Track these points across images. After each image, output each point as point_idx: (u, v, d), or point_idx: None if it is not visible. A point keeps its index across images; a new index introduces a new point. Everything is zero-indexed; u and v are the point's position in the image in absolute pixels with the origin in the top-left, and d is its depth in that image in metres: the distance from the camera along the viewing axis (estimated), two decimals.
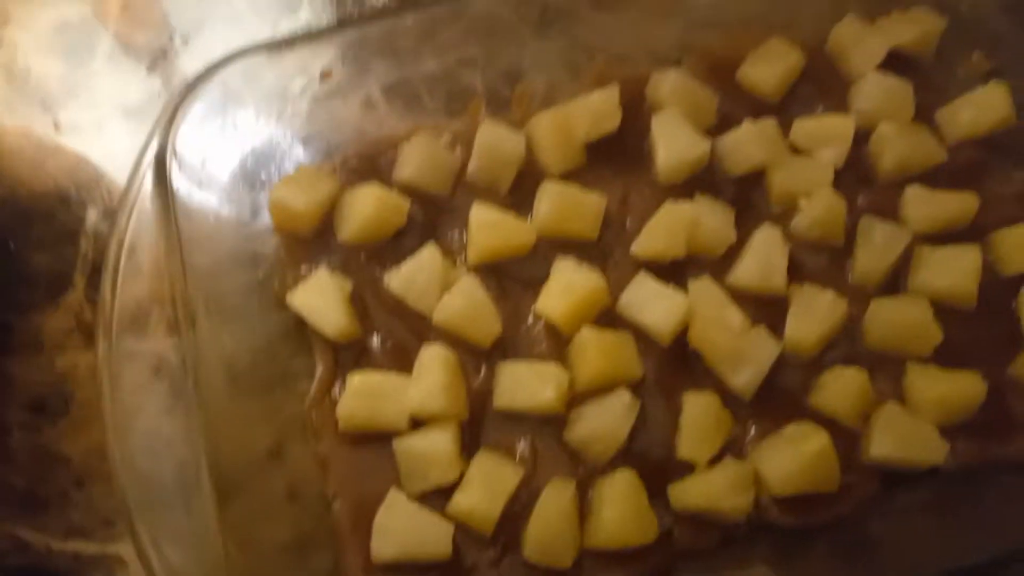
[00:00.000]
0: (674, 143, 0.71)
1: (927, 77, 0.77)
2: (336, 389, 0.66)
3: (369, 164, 0.73)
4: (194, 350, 0.60)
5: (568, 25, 0.78)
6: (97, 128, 0.78)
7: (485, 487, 0.61)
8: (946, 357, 0.67)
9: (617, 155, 0.74)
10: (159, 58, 0.81)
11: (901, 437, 0.63)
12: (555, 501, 0.61)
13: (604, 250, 0.71)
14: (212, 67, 0.67)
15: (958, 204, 0.71)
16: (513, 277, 0.70)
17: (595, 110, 0.72)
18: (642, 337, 0.67)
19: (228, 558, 0.55)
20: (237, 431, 0.61)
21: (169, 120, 0.64)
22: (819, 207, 0.69)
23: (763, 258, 0.68)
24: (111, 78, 0.81)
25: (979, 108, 0.74)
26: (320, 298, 0.65)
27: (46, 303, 0.70)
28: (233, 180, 0.69)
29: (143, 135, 0.63)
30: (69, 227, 0.74)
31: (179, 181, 0.64)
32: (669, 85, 0.73)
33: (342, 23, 0.79)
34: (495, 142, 0.70)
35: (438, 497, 0.62)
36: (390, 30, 0.75)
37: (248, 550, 0.57)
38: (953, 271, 0.68)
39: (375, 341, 0.68)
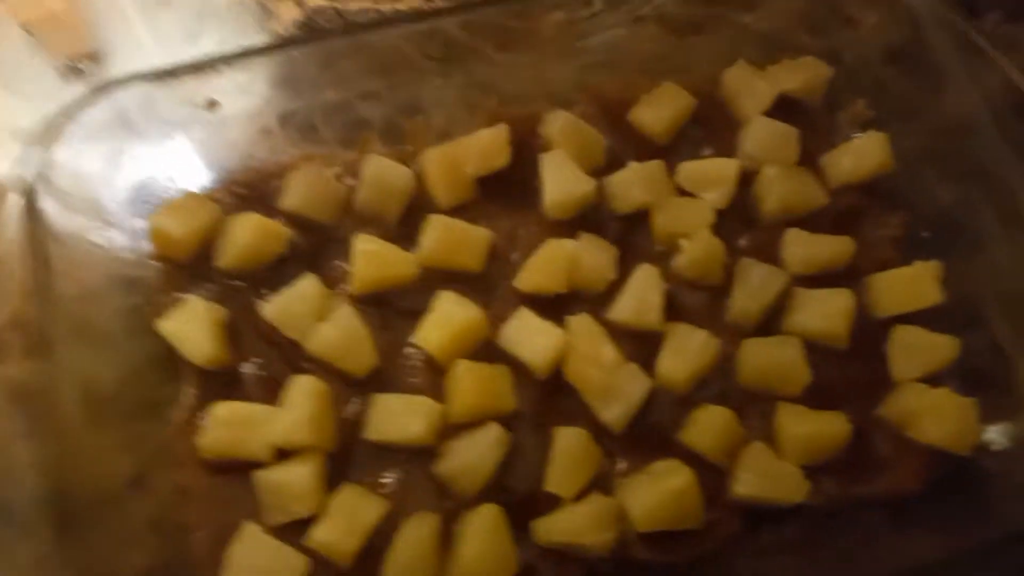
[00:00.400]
0: (560, 181, 0.72)
1: (813, 123, 0.79)
2: (202, 418, 0.65)
3: (255, 192, 0.73)
4: (51, 376, 0.59)
5: (470, 64, 0.80)
6: None
7: (344, 520, 0.60)
8: (817, 397, 0.68)
9: (507, 191, 0.75)
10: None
11: (765, 475, 0.64)
12: (415, 535, 0.60)
13: (489, 283, 0.72)
14: (96, 90, 0.67)
15: (835, 247, 0.73)
16: (396, 308, 0.70)
17: (485, 147, 0.73)
18: (520, 370, 0.68)
19: None
20: (95, 459, 0.60)
21: (46, 141, 0.64)
22: (698, 248, 0.71)
23: (640, 295, 0.69)
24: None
25: (859, 155, 0.76)
26: (189, 325, 0.65)
27: None
28: (115, 206, 0.69)
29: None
30: None
31: (51, 204, 0.64)
32: (559, 125, 0.74)
33: (246, 52, 0.79)
34: (382, 173, 0.71)
35: (299, 529, 0.61)
36: (290, 60, 0.76)
37: None
38: (826, 313, 0.70)
39: (247, 370, 0.67)
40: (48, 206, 0.63)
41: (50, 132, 0.67)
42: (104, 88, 0.69)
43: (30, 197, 0.62)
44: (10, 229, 0.61)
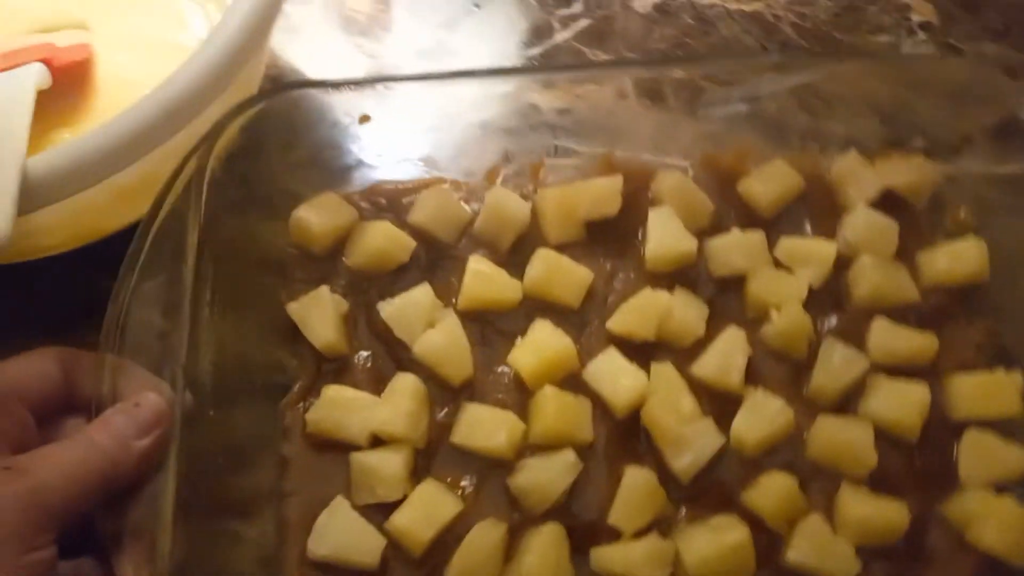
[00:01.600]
0: (664, 236, 0.77)
1: (915, 221, 0.82)
2: (313, 397, 0.72)
3: (391, 203, 0.80)
4: (191, 335, 0.66)
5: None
6: None
7: (423, 512, 0.66)
8: (882, 483, 0.70)
9: (614, 237, 0.80)
10: None
11: (819, 547, 0.66)
12: (483, 538, 0.65)
13: (583, 319, 0.77)
14: (270, 91, 0.76)
15: (920, 342, 0.75)
16: (495, 328, 0.76)
17: (598, 194, 0.79)
18: (600, 405, 0.72)
19: None
20: (216, 420, 0.67)
21: (217, 133, 0.72)
22: (787, 320, 0.74)
23: (725, 355, 0.73)
24: None
25: (956, 258, 0.78)
26: (315, 312, 0.72)
27: None
28: (265, 196, 0.77)
29: None
30: None
31: (222, 182, 0.72)
32: (670, 183, 0.80)
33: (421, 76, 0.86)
34: (502, 204, 0.77)
35: (381, 512, 0.67)
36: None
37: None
38: (901, 403, 0.72)
39: (359, 361, 0.74)
40: (219, 182, 0.71)
41: (218, 124, 0.74)
42: (272, 91, 0.78)
43: (199, 179, 0.70)
44: (191, 198, 0.69)
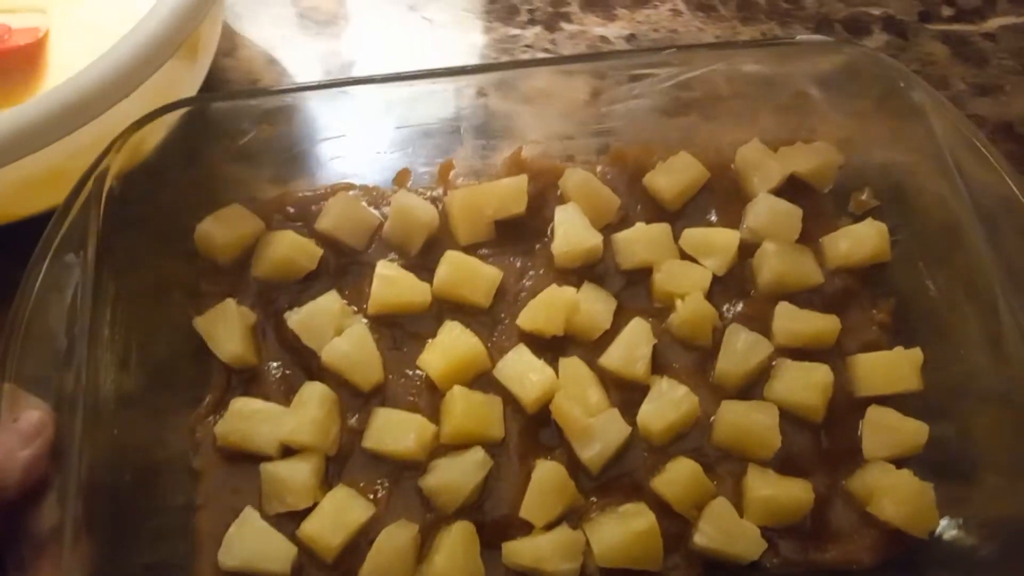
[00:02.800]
0: (570, 233, 0.78)
1: (819, 206, 0.84)
2: (223, 409, 0.72)
3: (299, 212, 0.80)
4: (93, 354, 0.66)
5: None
6: None
7: (332, 518, 0.66)
8: (787, 464, 0.72)
9: (523, 235, 0.81)
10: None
11: (725, 531, 0.68)
12: (393, 539, 0.66)
13: (494, 318, 0.78)
14: (167, 106, 0.76)
15: (823, 324, 0.77)
16: (407, 331, 0.77)
17: (505, 193, 0.80)
18: (511, 402, 0.73)
19: None
20: (125, 435, 0.67)
21: (117, 147, 0.72)
22: (690, 309, 0.76)
23: (630, 346, 0.74)
24: None
25: (858, 240, 0.80)
26: (222, 324, 0.73)
27: None
28: (168, 210, 0.77)
29: None
30: None
31: (132, 195, 0.72)
32: (576, 181, 0.81)
33: (319, 84, 0.86)
34: (408, 208, 0.78)
35: (294, 521, 0.68)
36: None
37: None
38: (805, 385, 0.74)
39: (268, 371, 0.75)
40: (119, 199, 0.71)
41: (120, 137, 0.74)
42: (172, 106, 0.77)
43: (97, 194, 0.70)
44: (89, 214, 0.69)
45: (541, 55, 1.02)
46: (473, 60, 1.02)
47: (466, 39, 1.03)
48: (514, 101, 0.84)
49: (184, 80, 0.86)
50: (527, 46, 1.03)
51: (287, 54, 1.01)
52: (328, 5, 1.05)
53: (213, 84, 0.93)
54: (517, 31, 1.04)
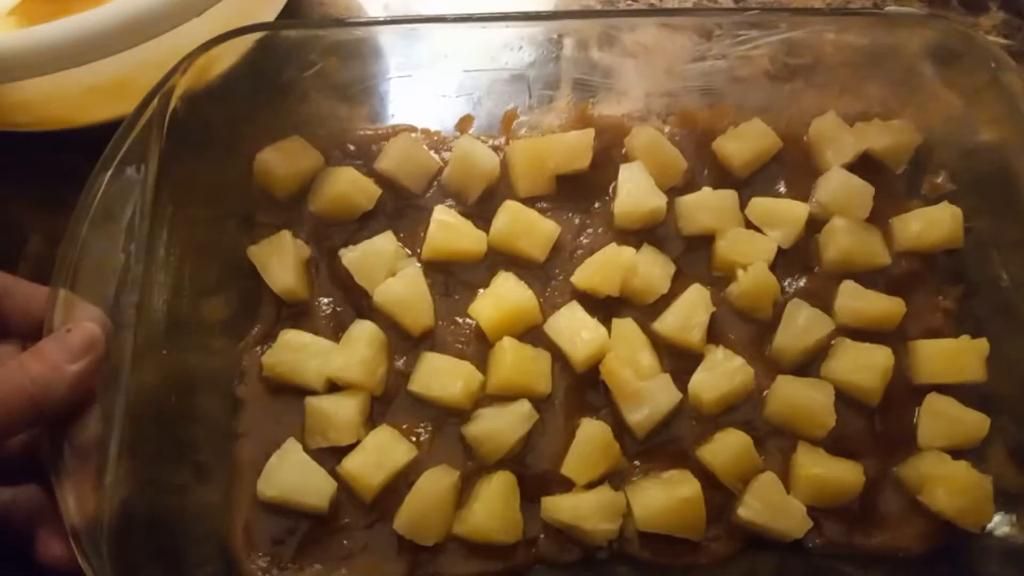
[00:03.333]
0: (633, 192, 0.76)
1: (892, 186, 0.81)
2: (271, 340, 0.71)
3: (360, 149, 0.79)
4: (148, 270, 0.66)
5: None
6: None
7: (375, 457, 0.66)
8: (839, 445, 0.70)
9: (584, 191, 0.79)
10: None
11: (770, 505, 0.66)
12: (433, 484, 0.65)
13: (548, 273, 0.76)
14: (235, 31, 0.74)
15: (887, 306, 0.74)
16: (459, 279, 0.76)
17: (569, 147, 0.78)
18: (560, 359, 0.72)
19: None
20: (171, 358, 0.67)
21: (184, 68, 0.71)
22: (752, 279, 0.73)
23: (687, 313, 0.72)
24: None
25: (930, 223, 0.77)
26: (275, 256, 0.72)
27: None
28: (230, 138, 0.76)
29: None
30: None
31: (190, 122, 0.71)
32: (643, 139, 0.78)
33: (389, 20, 0.84)
34: (470, 155, 0.76)
35: (335, 457, 0.67)
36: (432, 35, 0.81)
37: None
38: (864, 366, 0.71)
39: (319, 306, 0.74)
40: (182, 122, 0.70)
41: (186, 60, 0.73)
42: (240, 31, 0.76)
43: (169, 114, 0.69)
44: (152, 136, 0.68)
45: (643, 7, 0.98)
46: (575, 9, 0.98)
47: None
48: (597, 52, 0.81)
49: (261, 6, 0.84)
50: None
51: None
52: None
53: (293, 14, 0.91)
54: None
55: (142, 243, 0.66)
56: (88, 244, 0.64)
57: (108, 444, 0.59)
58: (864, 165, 0.80)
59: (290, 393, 0.69)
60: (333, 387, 0.69)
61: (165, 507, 0.64)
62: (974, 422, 0.70)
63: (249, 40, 0.73)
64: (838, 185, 0.78)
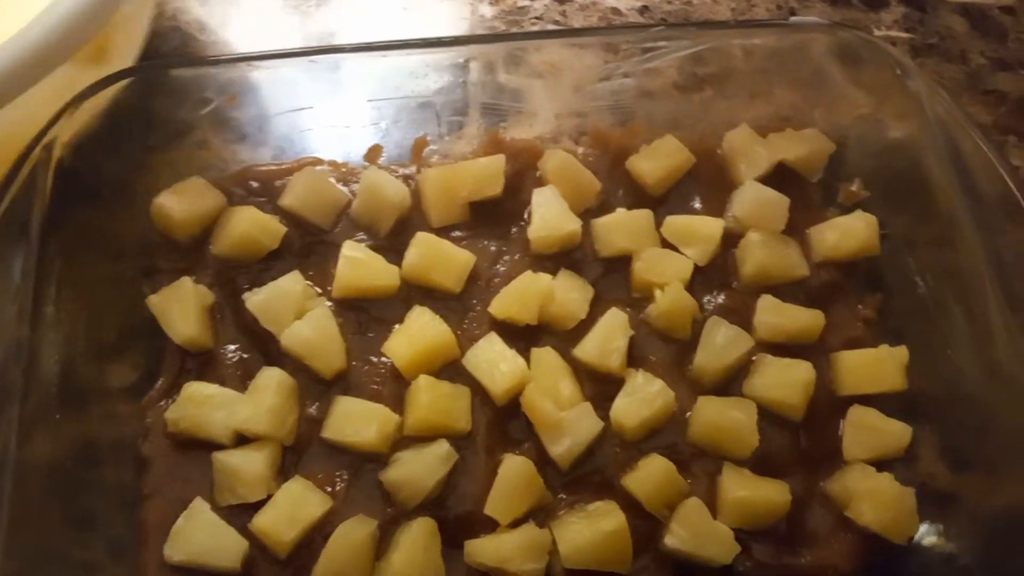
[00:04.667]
0: (547, 217, 0.75)
1: (807, 196, 0.81)
2: (175, 393, 0.68)
3: (263, 187, 0.76)
4: (40, 333, 0.62)
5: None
6: None
7: (287, 511, 0.63)
8: (764, 463, 0.69)
9: (499, 217, 0.78)
10: None
11: (696, 532, 0.65)
12: (350, 535, 0.63)
13: (465, 304, 0.74)
14: (125, 71, 0.72)
15: (806, 319, 0.74)
16: (373, 316, 0.73)
17: (481, 174, 0.76)
18: (480, 393, 0.70)
19: None
20: (68, 420, 0.64)
21: (67, 112, 0.68)
22: (669, 300, 0.73)
23: (605, 338, 0.71)
24: None
25: (846, 232, 0.77)
26: (177, 304, 0.69)
27: None
28: (123, 183, 0.73)
29: None
30: None
31: (80, 169, 0.68)
32: (555, 163, 0.77)
33: (287, 53, 0.82)
34: (378, 186, 0.74)
35: (247, 513, 0.65)
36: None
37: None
38: (785, 382, 0.71)
39: (224, 354, 0.71)
40: (71, 170, 0.67)
41: (72, 103, 0.70)
42: (131, 71, 0.73)
43: (55, 162, 0.66)
44: (37, 186, 0.65)
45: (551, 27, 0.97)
46: (482, 32, 0.97)
47: (477, 11, 0.98)
48: (504, 75, 0.80)
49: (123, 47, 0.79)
50: (536, 18, 0.98)
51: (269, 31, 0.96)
52: None
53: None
54: (526, 2, 0.99)
55: (27, 303, 0.62)
56: None
57: None
58: (779, 176, 0.80)
59: (197, 448, 0.66)
60: (242, 439, 0.67)
61: None
62: (897, 432, 0.70)
63: (138, 82, 0.70)
64: (752, 198, 0.78)
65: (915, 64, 0.80)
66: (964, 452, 0.71)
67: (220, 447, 0.66)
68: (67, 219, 0.67)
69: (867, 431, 0.71)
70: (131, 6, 0.74)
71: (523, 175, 0.79)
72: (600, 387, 0.71)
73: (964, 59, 0.98)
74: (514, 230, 0.77)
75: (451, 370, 0.71)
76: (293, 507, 0.64)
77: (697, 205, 0.80)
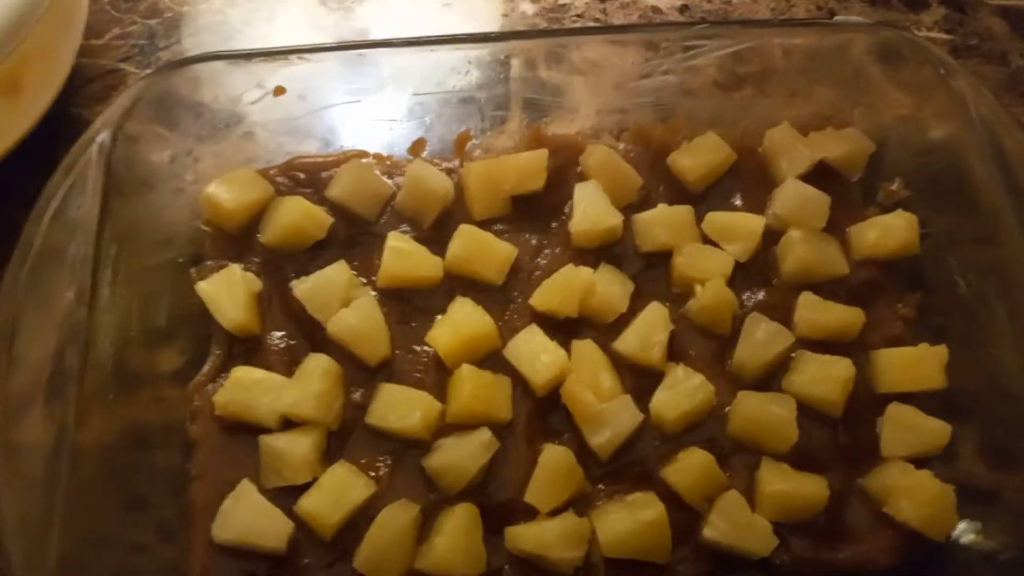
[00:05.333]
0: (589, 211, 0.75)
1: (847, 194, 0.81)
2: (223, 378, 0.70)
3: (309, 178, 0.78)
4: (95, 316, 0.64)
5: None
6: None
7: (332, 494, 0.65)
8: (803, 459, 0.70)
9: (540, 212, 0.79)
10: None
11: (736, 524, 0.66)
12: (393, 520, 0.64)
13: (507, 296, 0.75)
14: (176, 63, 0.73)
15: (846, 316, 0.74)
16: (416, 306, 0.74)
17: (523, 168, 0.77)
18: (521, 384, 0.71)
19: None
20: (121, 401, 0.65)
21: (128, 107, 0.70)
22: (710, 295, 0.73)
23: (646, 332, 0.72)
24: None
25: (886, 231, 0.77)
26: (225, 291, 0.70)
27: None
28: (174, 173, 0.75)
29: None
30: None
31: (128, 158, 0.70)
32: (597, 158, 0.78)
33: (336, 46, 0.83)
34: (422, 179, 0.75)
35: (292, 496, 0.66)
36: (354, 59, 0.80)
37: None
38: (824, 378, 0.71)
39: (272, 341, 0.72)
40: (124, 160, 0.69)
41: (125, 96, 0.72)
42: (183, 61, 0.75)
43: (109, 152, 0.68)
44: (91, 175, 0.66)
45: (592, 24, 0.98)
46: (523, 28, 0.98)
47: (517, 8, 0.99)
48: (545, 71, 0.81)
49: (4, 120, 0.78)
50: (577, 15, 0.99)
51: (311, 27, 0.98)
52: None
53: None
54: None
55: (85, 286, 0.64)
56: (30, 294, 0.63)
57: (54, 498, 0.57)
58: (819, 174, 0.80)
59: (244, 431, 0.68)
60: (288, 423, 0.68)
61: (118, 559, 0.62)
62: (936, 430, 0.70)
63: (190, 72, 0.72)
64: (794, 196, 0.78)
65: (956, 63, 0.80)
66: (1004, 450, 0.71)
67: (267, 431, 0.67)
68: (121, 207, 0.68)
69: (906, 428, 0.71)
70: (41, 39, 0.75)
71: (564, 170, 0.80)
72: (640, 380, 0.72)
73: (1004, 60, 0.97)
74: (555, 224, 0.78)
75: (492, 360, 0.72)
76: (338, 490, 0.65)
77: (737, 202, 0.80)
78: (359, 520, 0.66)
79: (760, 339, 0.72)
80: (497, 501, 0.68)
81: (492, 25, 0.99)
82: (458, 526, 0.64)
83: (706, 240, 0.77)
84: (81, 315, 0.63)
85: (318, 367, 0.68)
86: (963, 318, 0.75)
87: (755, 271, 0.77)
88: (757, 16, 0.96)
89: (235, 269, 0.72)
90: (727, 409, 0.71)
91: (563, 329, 0.73)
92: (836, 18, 0.92)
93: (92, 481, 0.61)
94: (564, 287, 0.73)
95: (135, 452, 0.66)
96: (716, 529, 0.66)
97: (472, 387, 0.68)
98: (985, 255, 0.73)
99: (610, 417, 0.68)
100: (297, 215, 0.73)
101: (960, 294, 0.75)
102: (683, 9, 0.98)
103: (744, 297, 0.76)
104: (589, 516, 0.67)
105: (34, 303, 0.64)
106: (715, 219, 0.77)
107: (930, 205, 0.79)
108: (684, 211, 0.77)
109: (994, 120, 0.74)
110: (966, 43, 0.97)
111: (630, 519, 0.65)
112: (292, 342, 0.72)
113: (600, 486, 0.69)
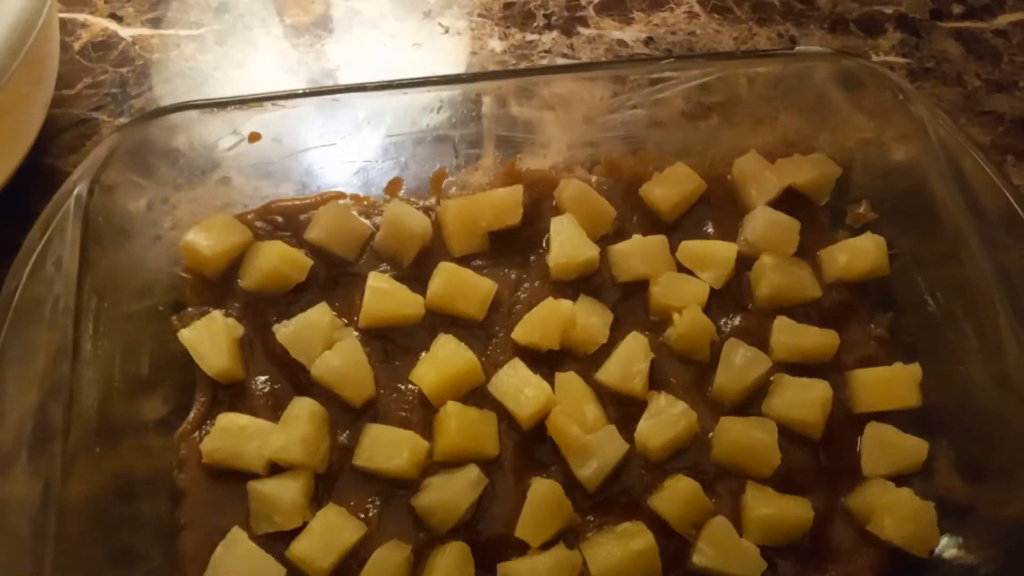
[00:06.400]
0: (566, 245, 0.77)
1: (816, 218, 0.83)
2: (208, 425, 0.70)
3: (288, 221, 0.78)
4: (77, 370, 0.64)
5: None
6: None
7: (323, 538, 0.65)
8: (786, 481, 0.71)
9: (518, 246, 0.80)
10: None
11: (723, 550, 0.67)
12: (385, 561, 0.64)
13: (489, 331, 0.76)
14: (150, 113, 0.74)
15: (821, 339, 0.76)
16: (399, 344, 0.75)
17: (499, 204, 0.78)
18: (506, 418, 0.72)
19: None
20: (106, 454, 0.65)
21: (104, 158, 0.70)
22: (688, 323, 0.74)
23: (627, 361, 0.73)
24: None
25: (856, 254, 0.79)
26: (208, 338, 0.70)
27: None
28: (151, 222, 0.75)
29: None
30: None
31: (105, 209, 0.70)
32: (571, 192, 0.79)
33: (310, 92, 0.84)
34: (401, 218, 0.76)
35: (282, 541, 0.66)
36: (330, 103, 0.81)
37: None
38: (804, 401, 0.73)
39: (256, 385, 0.72)
40: (102, 211, 0.69)
41: (100, 147, 0.72)
42: (155, 112, 0.75)
43: (86, 204, 0.68)
44: (69, 228, 0.67)
45: (561, 60, 1.00)
46: (492, 66, 1.00)
47: (486, 45, 1.01)
48: (516, 107, 0.82)
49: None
50: (545, 51, 1.01)
51: (282, 70, 0.99)
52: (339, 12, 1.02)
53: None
54: (534, 36, 1.02)
55: (67, 341, 0.64)
56: (9, 346, 0.62)
57: (43, 557, 0.57)
58: (788, 200, 0.82)
59: (232, 478, 0.68)
60: (276, 468, 0.68)
61: None
62: (913, 447, 0.72)
63: (165, 122, 0.73)
64: (764, 222, 0.80)
65: (914, 88, 0.82)
66: (979, 464, 0.72)
67: (255, 477, 0.67)
68: (100, 257, 0.68)
69: (885, 447, 0.72)
70: (13, 92, 0.75)
71: (540, 204, 0.81)
72: (623, 410, 0.73)
73: (960, 82, 1.01)
74: (533, 258, 0.80)
75: (477, 396, 0.72)
76: (329, 534, 0.65)
77: (710, 230, 0.82)
78: (351, 563, 0.66)
79: (739, 364, 0.74)
80: (487, 537, 0.68)
81: (462, 63, 1.01)
82: (450, 565, 0.64)
83: (681, 268, 0.79)
84: (64, 370, 0.63)
85: (303, 410, 0.69)
86: (933, 337, 0.77)
87: (730, 297, 0.79)
88: (720, 46, 0.99)
89: (217, 315, 0.72)
90: (710, 435, 0.72)
91: (545, 361, 0.74)
92: (797, 48, 0.94)
93: (80, 536, 0.61)
94: (545, 320, 0.74)
95: (122, 504, 0.65)
96: (705, 555, 0.67)
97: (458, 424, 0.69)
98: (951, 273, 0.76)
99: (596, 448, 0.69)
100: (276, 259, 0.74)
101: (930, 312, 0.77)
102: (648, 41, 1.00)
103: (721, 323, 0.78)
104: (579, 548, 0.67)
105: (15, 358, 0.63)
106: (689, 248, 0.79)
107: (897, 226, 0.81)
108: (658, 241, 0.79)
109: (952, 142, 0.77)
110: (923, 66, 1.01)
111: (620, 550, 0.66)
112: (276, 386, 0.72)
113: (589, 517, 0.69)
